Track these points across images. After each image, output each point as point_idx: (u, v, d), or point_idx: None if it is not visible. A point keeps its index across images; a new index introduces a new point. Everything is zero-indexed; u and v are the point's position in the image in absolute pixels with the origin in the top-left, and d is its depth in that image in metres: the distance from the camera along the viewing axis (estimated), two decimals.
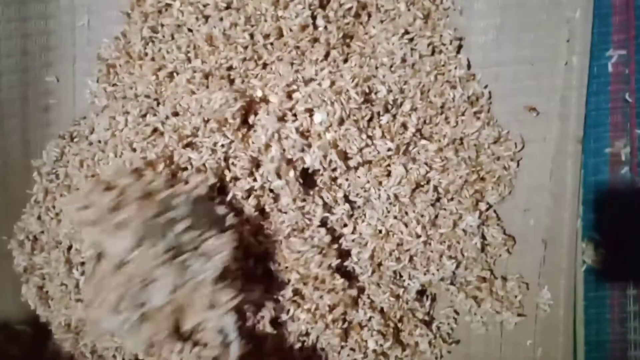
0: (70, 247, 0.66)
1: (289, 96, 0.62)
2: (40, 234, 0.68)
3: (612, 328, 0.69)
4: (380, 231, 0.65)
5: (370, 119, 0.63)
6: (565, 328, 0.68)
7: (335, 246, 0.64)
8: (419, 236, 0.65)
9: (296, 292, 0.64)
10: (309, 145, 0.61)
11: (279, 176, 0.61)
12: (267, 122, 0.60)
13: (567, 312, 0.68)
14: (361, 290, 0.65)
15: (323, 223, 0.64)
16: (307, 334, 0.64)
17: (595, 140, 0.69)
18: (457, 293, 0.68)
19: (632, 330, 0.68)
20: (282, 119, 0.61)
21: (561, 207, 0.68)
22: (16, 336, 0.70)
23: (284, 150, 0.60)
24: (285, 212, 0.62)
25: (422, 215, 0.65)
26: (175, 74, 0.65)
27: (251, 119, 0.62)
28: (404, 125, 0.65)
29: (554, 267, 0.69)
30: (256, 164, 0.62)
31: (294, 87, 0.62)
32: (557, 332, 0.68)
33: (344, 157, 0.63)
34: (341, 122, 0.61)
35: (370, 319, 0.64)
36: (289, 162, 0.61)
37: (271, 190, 0.63)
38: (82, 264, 0.65)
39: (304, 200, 0.62)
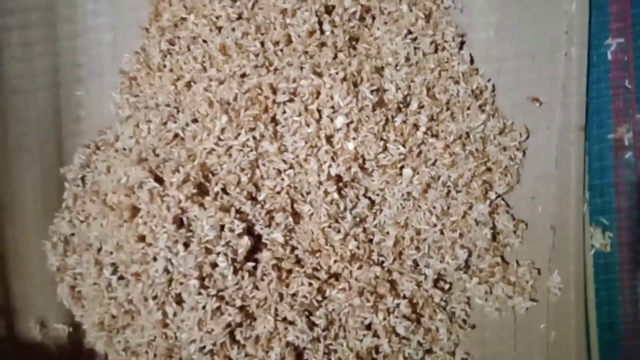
0: (100, 249, 0.68)
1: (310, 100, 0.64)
2: (71, 237, 0.71)
3: (624, 309, 0.69)
4: (398, 222, 0.66)
5: (386, 123, 0.65)
6: (577, 311, 0.69)
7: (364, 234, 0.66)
8: (434, 225, 0.66)
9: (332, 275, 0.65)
10: (335, 157, 0.64)
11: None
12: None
13: (578, 296, 0.69)
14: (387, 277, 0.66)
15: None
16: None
17: (599, 127, 0.69)
18: (470, 280, 0.68)
19: None
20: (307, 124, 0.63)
21: (567, 194, 0.69)
22: (54, 335, 0.72)
23: (318, 161, 0.63)
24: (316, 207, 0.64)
25: (434, 207, 0.66)
26: (192, 83, 0.67)
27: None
28: (416, 126, 0.66)
29: (563, 252, 0.69)
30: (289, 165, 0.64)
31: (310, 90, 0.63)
32: (569, 316, 0.69)
33: (363, 163, 0.65)
34: (359, 127, 0.63)
35: (398, 305, 0.65)
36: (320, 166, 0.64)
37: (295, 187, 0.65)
38: (113, 264, 0.67)
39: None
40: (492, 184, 0.68)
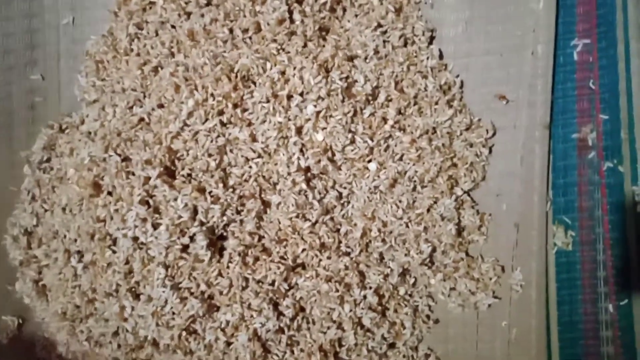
0: (65, 236, 0.65)
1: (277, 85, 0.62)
2: (34, 227, 0.67)
3: (585, 309, 0.67)
4: (365, 214, 0.64)
5: (354, 115, 0.63)
6: (538, 309, 0.67)
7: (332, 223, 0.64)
8: (400, 218, 0.64)
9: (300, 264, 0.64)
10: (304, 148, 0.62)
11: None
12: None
13: (540, 294, 0.67)
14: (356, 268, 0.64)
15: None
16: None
17: (563, 126, 0.68)
18: (434, 276, 0.66)
19: (603, 311, 0.67)
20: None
21: (531, 192, 0.67)
22: (4, 326, 0.69)
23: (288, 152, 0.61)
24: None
25: (400, 201, 0.64)
26: (159, 69, 0.65)
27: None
28: (384, 119, 0.64)
29: (526, 250, 0.68)
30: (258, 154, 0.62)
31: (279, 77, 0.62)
32: (530, 314, 0.67)
33: (332, 156, 0.63)
34: (328, 117, 0.61)
35: (364, 296, 0.63)
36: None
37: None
38: (78, 252, 0.64)
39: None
40: (457, 180, 0.66)
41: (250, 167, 0.62)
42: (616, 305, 0.66)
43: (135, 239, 0.60)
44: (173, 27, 0.66)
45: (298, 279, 0.62)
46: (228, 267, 0.61)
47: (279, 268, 0.61)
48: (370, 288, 0.63)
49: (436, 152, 0.65)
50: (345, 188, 0.64)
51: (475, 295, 0.67)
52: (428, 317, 0.67)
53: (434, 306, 0.68)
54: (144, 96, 0.65)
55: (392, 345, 0.65)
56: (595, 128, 0.67)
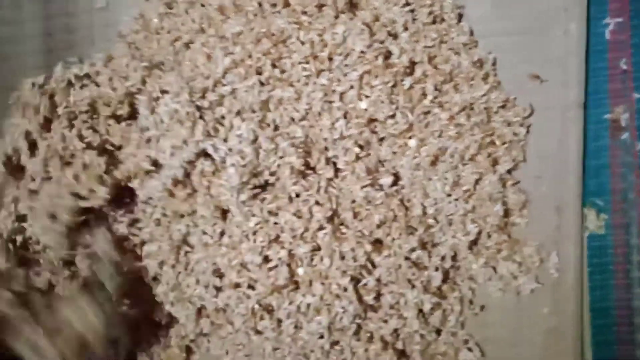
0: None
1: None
2: None
3: (617, 295, 0.63)
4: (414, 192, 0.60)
5: (394, 86, 0.60)
6: (575, 295, 0.63)
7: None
8: (448, 194, 0.60)
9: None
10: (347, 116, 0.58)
11: None
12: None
13: (577, 279, 0.63)
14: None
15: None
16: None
17: (595, 107, 0.64)
18: (476, 259, 0.62)
19: (637, 297, 0.63)
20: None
21: (567, 173, 0.64)
22: None
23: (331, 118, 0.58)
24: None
25: (445, 178, 0.60)
26: (190, 44, 0.61)
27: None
28: (423, 93, 0.61)
29: (565, 234, 0.63)
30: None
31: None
32: (568, 300, 0.63)
33: (374, 128, 0.60)
34: (371, 82, 0.58)
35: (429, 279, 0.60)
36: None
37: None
38: None
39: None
40: (497, 159, 0.63)
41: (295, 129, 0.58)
42: None
43: None
44: (202, 5, 0.63)
45: (376, 258, 0.57)
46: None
47: (359, 244, 0.56)
48: (437, 269, 0.59)
49: (475, 128, 0.61)
50: (384, 164, 0.60)
51: (517, 279, 0.62)
52: (471, 301, 0.63)
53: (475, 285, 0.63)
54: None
55: (438, 332, 0.61)
56: (628, 108, 0.65)
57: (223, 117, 0.58)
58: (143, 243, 0.61)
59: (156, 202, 0.59)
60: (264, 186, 0.58)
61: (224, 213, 0.58)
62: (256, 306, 0.56)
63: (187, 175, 0.58)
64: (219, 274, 0.57)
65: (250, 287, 0.56)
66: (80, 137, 0.58)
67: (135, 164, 0.58)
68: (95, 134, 0.58)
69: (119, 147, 0.59)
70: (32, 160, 0.57)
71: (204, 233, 0.57)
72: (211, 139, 0.57)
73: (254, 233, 0.56)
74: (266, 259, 0.56)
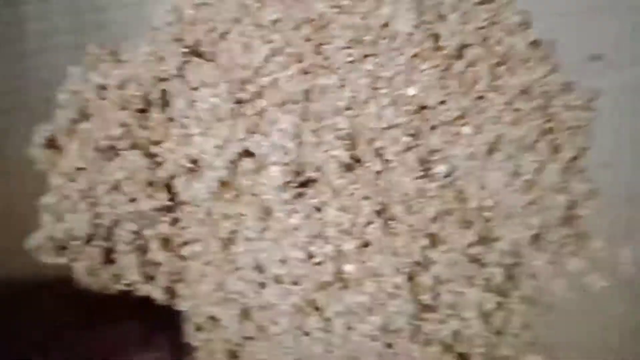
0: None
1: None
2: None
3: None
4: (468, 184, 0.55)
5: (445, 69, 0.55)
6: None
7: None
8: (506, 185, 0.55)
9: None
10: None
11: None
12: None
13: None
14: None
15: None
16: None
17: None
18: (540, 255, 0.56)
19: None
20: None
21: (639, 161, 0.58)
22: None
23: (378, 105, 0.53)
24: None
25: (503, 168, 0.55)
26: (227, 34, 0.57)
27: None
28: (476, 78, 0.56)
29: (635, 227, 0.58)
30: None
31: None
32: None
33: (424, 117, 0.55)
34: (420, 67, 0.54)
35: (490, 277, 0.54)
36: None
37: None
38: None
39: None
40: (560, 146, 0.57)
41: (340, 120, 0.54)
42: None
43: None
44: None
45: (432, 253, 0.53)
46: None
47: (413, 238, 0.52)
48: (499, 266, 0.53)
49: (534, 113, 0.56)
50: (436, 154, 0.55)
51: (586, 276, 0.57)
52: (535, 301, 0.57)
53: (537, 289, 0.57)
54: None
55: (498, 333, 0.55)
56: None
57: (264, 111, 0.55)
58: (185, 243, 0.58)
59: (199, 203, 0.56)
60: (307, 182, 0.55)
61: (268, 211, 0.54)
62: (301, 302, 0.52)
63: (231, 175, 0.54)
64: (261, 270, 0.54)
65: (294, 282, 0.52)
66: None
67: (174, 162, 0.55)
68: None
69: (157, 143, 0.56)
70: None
71: (247, 229, 0.53)
72: (252, 135, 0.54)
73: (296, 229, 0.52)
74: (310, 255, 0.52)
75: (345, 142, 0.53)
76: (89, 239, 0.56)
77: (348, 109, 0.54)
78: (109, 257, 0.57)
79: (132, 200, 0.55)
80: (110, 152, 0.56)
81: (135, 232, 0.56)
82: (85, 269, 0.57)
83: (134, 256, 0.56)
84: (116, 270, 0.57)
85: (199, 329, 0.56)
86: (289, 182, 0.53)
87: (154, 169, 0.56)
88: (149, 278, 0.57)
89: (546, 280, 0.56)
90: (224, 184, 0.55)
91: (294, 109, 0.54)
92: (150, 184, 0.56)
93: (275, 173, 0.52)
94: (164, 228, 0.56)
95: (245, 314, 0.53)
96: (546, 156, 0.56)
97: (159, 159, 0.57)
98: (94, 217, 0.56)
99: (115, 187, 0.55)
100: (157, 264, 0.57)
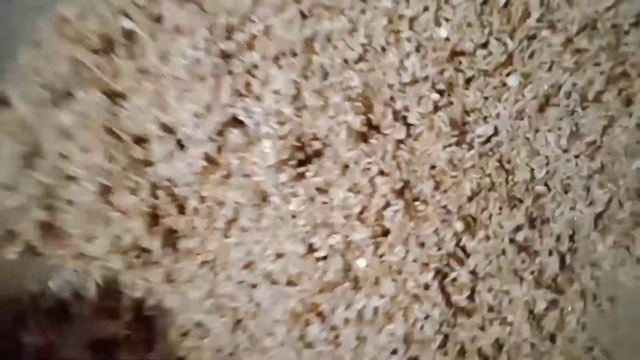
0: None
1: None
2: None
3: None
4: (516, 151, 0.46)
5: (484, 2, 0.45)
6: None
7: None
8: (564, 150, 0.45)
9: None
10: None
11: None
12: None
13: None
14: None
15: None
16: None
17: None
18: (602, 239, 0.47)
19: None
20: None
21: None
22: None
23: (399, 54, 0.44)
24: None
25: (559, 128, 0.45)
26: None
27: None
28: (525, 11, 0.45)
29: None
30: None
31: None
32: None
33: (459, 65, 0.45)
34: (451, 3, 0.44)
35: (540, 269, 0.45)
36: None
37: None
38: None
39: None
40: (633, 96, 0.47)
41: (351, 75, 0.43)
42: None
43: None
44: None
45: (469, 242, 0.43)
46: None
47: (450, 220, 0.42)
48: (551, 254, 0.43)
49: (601, 54, 0.46)
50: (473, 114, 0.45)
51: None
52: (595, 296, 0.46)
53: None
54: None
55: (552, 338, 0.45)
56: None
57: (255, 67, 0.45)
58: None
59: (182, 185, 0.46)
60: (310, 158, 0.44)
61: (264, 196, 0.44)
62: (298, 306, 0.42)
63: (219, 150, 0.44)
64: (252, 267, 0.44)
65: (291, 282, 0.43)
66: None
67: (141, 125, 0.45)
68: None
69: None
70: None
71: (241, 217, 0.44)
72: (242, 99, 0.44)
73: (294, 216, 0.42)
74: (312, 248, 0.42)
75: (357, 104, 0.43)
76: None
77: (360, 60, 0.44)
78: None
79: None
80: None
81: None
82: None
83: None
84: None
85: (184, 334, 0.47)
86: (286, 161, 0.42)
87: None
88: None
89: (610, 269, 0.47)
90: (211, 161, 0.44)
91: (292, 63, 0.44)
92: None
93: (268, 149, 0.41)
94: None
95: (236, 322, 0.44)
96: (615, 110, 0.46)
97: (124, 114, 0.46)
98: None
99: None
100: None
